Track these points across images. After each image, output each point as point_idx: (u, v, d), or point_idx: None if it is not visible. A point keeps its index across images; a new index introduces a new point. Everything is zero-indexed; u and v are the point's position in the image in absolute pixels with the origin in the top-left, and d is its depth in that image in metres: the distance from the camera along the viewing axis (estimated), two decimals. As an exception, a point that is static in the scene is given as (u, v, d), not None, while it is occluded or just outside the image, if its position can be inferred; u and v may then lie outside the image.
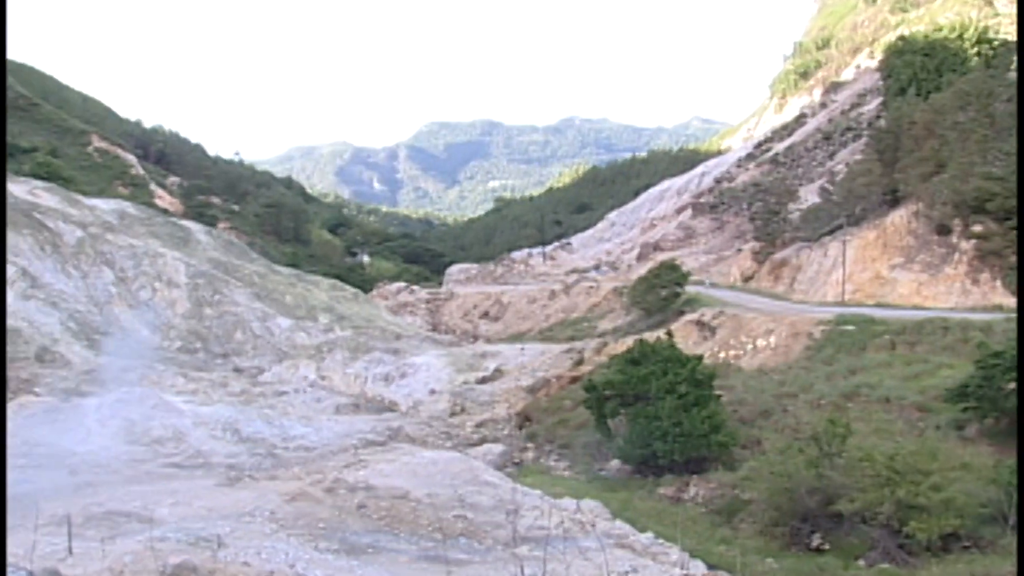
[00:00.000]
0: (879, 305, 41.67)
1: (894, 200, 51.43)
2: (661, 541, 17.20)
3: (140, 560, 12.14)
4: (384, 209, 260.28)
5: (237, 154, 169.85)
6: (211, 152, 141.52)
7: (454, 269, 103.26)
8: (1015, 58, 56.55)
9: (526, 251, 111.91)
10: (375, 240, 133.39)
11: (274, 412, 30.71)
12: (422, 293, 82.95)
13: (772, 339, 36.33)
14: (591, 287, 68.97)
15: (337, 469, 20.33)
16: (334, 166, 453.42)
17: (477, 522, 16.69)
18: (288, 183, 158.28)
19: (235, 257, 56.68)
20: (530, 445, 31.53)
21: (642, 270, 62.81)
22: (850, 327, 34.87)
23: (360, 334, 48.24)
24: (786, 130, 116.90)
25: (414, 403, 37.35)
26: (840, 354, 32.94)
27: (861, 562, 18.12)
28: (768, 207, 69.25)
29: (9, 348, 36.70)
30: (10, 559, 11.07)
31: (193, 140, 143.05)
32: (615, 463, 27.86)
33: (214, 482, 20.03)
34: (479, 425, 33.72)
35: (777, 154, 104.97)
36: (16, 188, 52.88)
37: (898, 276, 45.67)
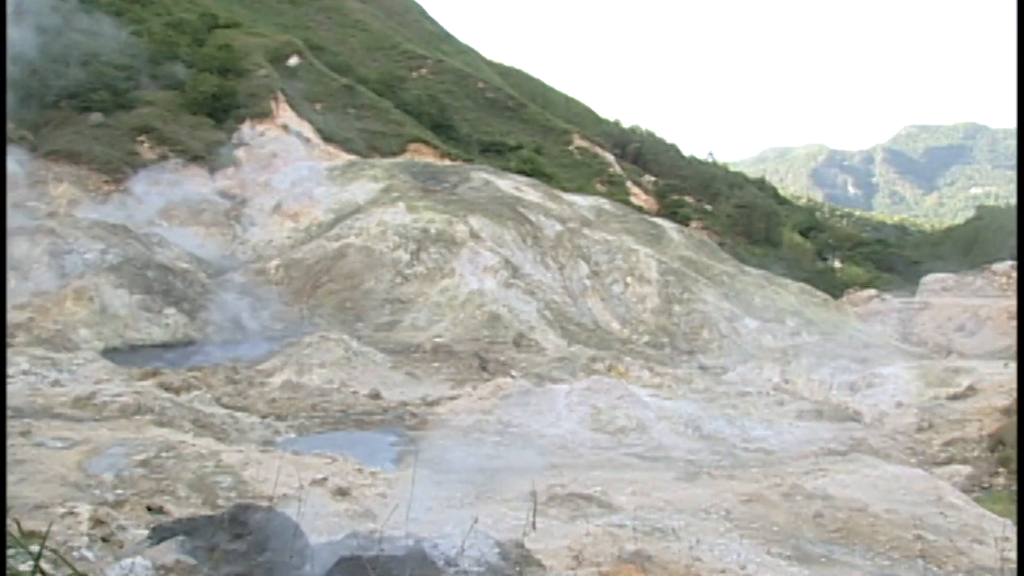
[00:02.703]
0: None
1: None
2: None
3: (598, 543, 12.54)
4: (857, 213, 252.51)
5: (711, 154, 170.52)
6: (685, 152, 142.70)
7: (929, 278, 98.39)
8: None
9: (1008, 263, 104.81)
10: (847, 245, 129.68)
11: (736, 412, 30.62)
12: (894, 302, 79.74)
13: None
14: (1082, 305, 63.48)
15: (796, 475, 19.99)
16: (808, 168, 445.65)
17: (937, 545, 15.86)
18: (761, 184, 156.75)
19: (706, 256, 57.05)
20: (1002, 470, 29.46)
21: None
22: None
23: (827, 340, 47.14)
24: None
25: (879, 415, 36.00)
26: None
27: None
28: None
29: (489, 332, 38.98)
30: (479, 527, 11.77)
31: (668, 140, 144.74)
32: (1100, 497, 25.56)
33: (672, 475, 20.26)
34: (947, 443, 31.98)
35: None
36: (502, 183, 56.04)
37: None
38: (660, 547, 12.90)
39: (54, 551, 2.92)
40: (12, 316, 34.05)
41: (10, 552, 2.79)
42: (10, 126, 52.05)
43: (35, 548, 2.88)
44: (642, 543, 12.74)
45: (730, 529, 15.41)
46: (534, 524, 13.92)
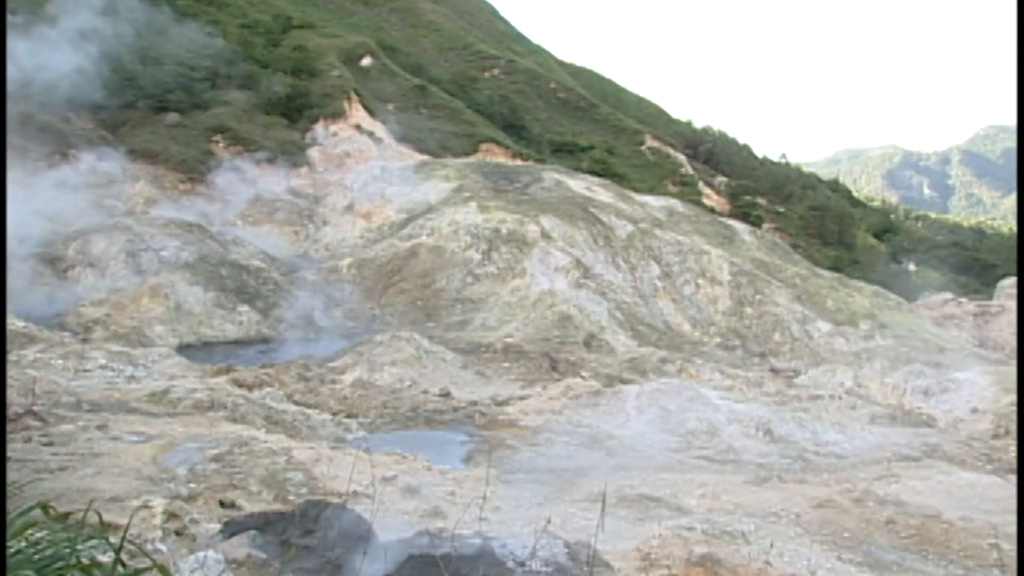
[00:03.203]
0: None
1: None
2: None
3: (667, 545, 12.49)
4: (933, 216, 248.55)
5: (783, 155, 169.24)
6: (758, 153, 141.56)
7: (1006, 282, 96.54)
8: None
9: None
10: (922, 248, 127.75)
11: (807, 416, 30.29)
12: (970, 306, 78.42)
13: None
14: None
15: (868, 480, 19.75)
16: (882, 169, 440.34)
17: (1014, 554, 15.59)
18: (834, 186, 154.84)
19: (778, 258, 56.53)
20: (1083, 477, 28.87)
21: None
22: None
23: (901, 344, 46.50)
24: None
25: (954, 420, 35.43)
26: None
27: None
28: None
29: (559, 332, 38.96)
30: (550, 527, 11.77)
31: (741, 141, 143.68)
32: None
33: (742, 479, 20.11)
34: (1025, 450, 31.40)
35: None
36: (574, 184, 56.00)
37: None
38: (730, 550, 12.83)
39: (133, 543, 2.99)
40: (90, 312, 34.71)
41: (91, 543, 2.85)
42: (89, 126, 53.04)
43: (113, 540, 2.93)
44: (712, 546, 12.68)
45: (800, 534, 15.28)
46: (603, 525, 13.90)
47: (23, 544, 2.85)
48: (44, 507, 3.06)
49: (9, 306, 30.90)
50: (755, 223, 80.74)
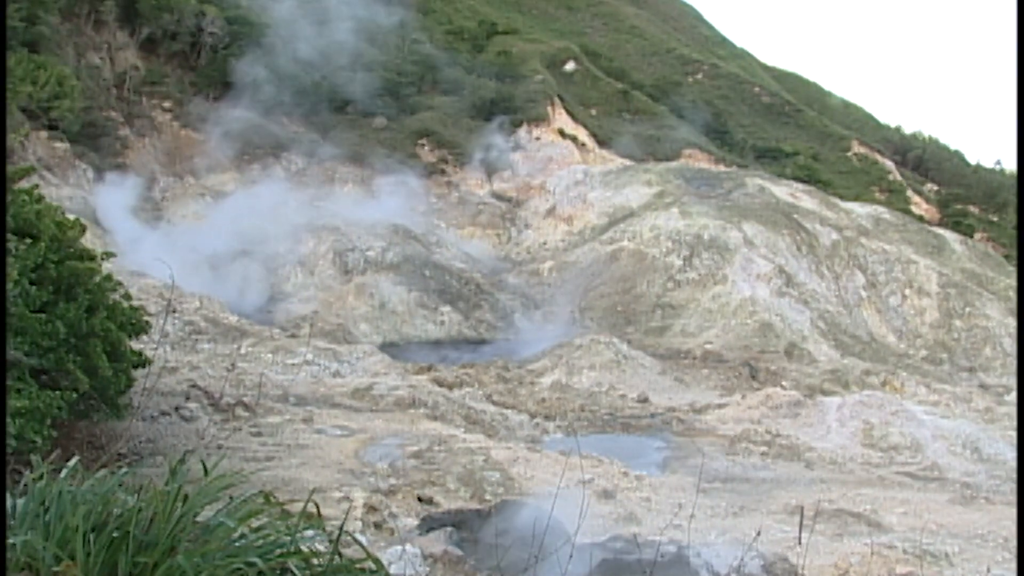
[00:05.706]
0: None
1: None
2: None
3: (865, 563, 12.20)
4: None
5: (998, 162, 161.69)
6: (971, 159, 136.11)
7: None
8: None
9: None
10: None
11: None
12: None
13: None
14: None
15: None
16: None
17: None
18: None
19: (990, 269, 54.37)
20: None
21: None
22: None
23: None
24: None
25: None
26: None
27: None
28: None
29: (760, 340, 38.39)
30: (742, 538, 11.64)
31: (952, 147, 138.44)
32: None
33: (946, 498, 19.49)
34: None
35: None
36: (778, 190, 55.04)
37: None
38: (932, 572, 12.45)
39: (349, 535, 3.12)
40: (298, 309, 36.02)
41: (308, 533, 2.99)
42: (301, 129, 54.91)
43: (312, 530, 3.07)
44: (912, 567, 12.32)
45: (1008, 559, 14.70)
46: (800, 539, 13.67)
47: (247, 530, 3.02)
48: (266, 496, 3.22)
49: (223, 301, 32.31)
50: (966, 233, 77.76)
